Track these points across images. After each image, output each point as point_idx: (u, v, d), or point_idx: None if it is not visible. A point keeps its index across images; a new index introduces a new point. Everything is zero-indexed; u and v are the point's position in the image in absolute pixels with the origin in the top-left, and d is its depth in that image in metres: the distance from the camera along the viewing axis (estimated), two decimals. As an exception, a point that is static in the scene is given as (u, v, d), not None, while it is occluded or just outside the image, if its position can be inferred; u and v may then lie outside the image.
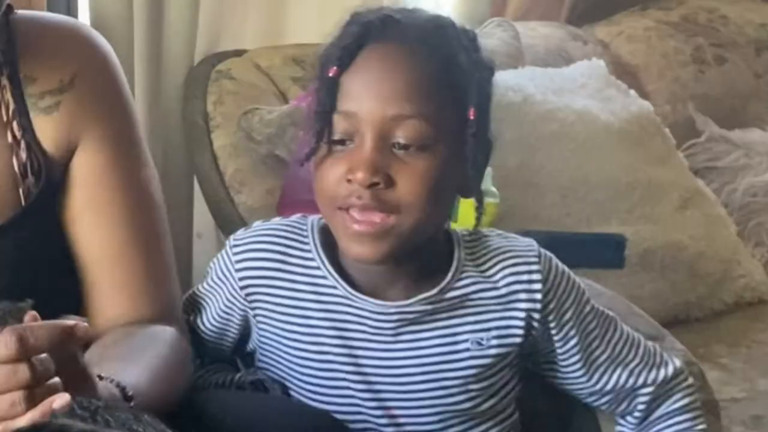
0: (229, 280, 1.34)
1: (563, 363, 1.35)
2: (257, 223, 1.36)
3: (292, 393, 1.32)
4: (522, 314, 1.30)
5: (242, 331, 1.36)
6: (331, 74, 1.24)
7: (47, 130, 1.31)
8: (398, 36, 1.24)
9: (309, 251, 1.30)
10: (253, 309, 1.33)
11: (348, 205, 1.23)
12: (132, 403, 1.13)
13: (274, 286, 1.31)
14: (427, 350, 1.29)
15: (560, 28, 2.71)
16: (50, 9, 2.16)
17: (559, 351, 1.34)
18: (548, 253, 1.34)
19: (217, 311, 1.36)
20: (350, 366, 1.28)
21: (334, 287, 1.29)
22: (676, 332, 1.93)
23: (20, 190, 1.29)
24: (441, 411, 1.30)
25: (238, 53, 2.25)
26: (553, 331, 1.33)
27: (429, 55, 1.23)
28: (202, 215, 2.23)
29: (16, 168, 1.29)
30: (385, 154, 1.22)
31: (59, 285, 1.32)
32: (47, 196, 1.31)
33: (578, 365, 1.35)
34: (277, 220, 1.35)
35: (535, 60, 2.50)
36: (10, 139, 1.30)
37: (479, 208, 1.31)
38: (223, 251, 1.35)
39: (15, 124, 1.30)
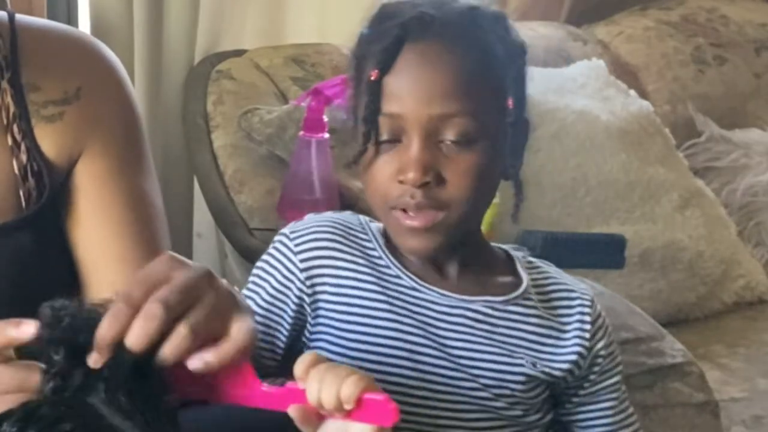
0: (286, 266, 1.30)
1: (575, 400, 1.36)
2: (310, 216, 1.35)
3: None
4: (574, 349, 1.32)
5: (294, 327, 1.31)
6: (373, 78, 1.25)
7: (49, 137, 1.31)
8: (436, 33, 1.25)
9: (369, 241, 1.31)
10: (311, 295, 1.30)
11: (402, 205, 1.25)
12: None
13: (337, 267, 1.29)
14: (486, 355, 1.29)
15: (560, 28, 2.71)
16: (50, 9, 2.16)
17: (583, 392, 1.35)
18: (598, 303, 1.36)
19: (267, 298, 1.31)
20: (407, 361, 1.28)
21: (399, 277, 1.29)
22: (676, 332, 1.93)
23: (21, 192, 1.29)
24: (488, 414, 1.29)
25: (238, 53, 2.25)
26: (592, 375, 1.34)
27: (467, 51, 1.25)
28: (202, 215, 2.23)
29: (16, 170, 1.29)
30: (432, 152, 1.23)
31: (59, 287, 1.31)
32: (48, 200, 1.30)
33: (587, 407, 1.36)
34: (329, 213, 1.35)
35: (534, 60, 2.48)
36: (10, 142, 1.29)
37: (518, 193, 1.32)
38: (276, 243, 1.32)
39: (15, 128, 1.29)
